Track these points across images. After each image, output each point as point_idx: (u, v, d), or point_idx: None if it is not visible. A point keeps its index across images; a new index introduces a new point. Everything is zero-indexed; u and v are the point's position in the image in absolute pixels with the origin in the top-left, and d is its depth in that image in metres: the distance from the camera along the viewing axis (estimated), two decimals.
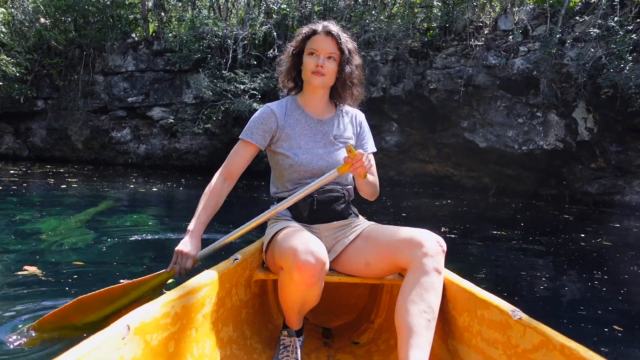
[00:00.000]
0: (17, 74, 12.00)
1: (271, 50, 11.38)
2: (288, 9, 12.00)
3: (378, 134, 10.86)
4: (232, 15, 13.99)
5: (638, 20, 8.00)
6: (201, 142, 12.87)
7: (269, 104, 1.80)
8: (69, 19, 13.61)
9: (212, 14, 13.71)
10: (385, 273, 1.60)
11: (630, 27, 7.82)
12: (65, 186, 7.38)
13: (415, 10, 11.44)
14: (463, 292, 1.43)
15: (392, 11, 11.86)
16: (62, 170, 10.29)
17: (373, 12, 10.84)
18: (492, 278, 3.33)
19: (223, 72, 11.42)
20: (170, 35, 12.42)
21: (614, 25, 7.88)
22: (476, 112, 10.05)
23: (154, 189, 7.85)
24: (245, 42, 11.88)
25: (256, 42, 11.95)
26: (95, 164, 13.08)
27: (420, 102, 10.44)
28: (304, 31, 1.74)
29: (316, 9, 11.83)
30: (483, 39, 9.83)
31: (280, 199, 1.76)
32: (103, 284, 2.56)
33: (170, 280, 1.69)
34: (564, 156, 9.33)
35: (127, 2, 14.18)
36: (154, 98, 13.17)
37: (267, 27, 11.94)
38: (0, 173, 8.86)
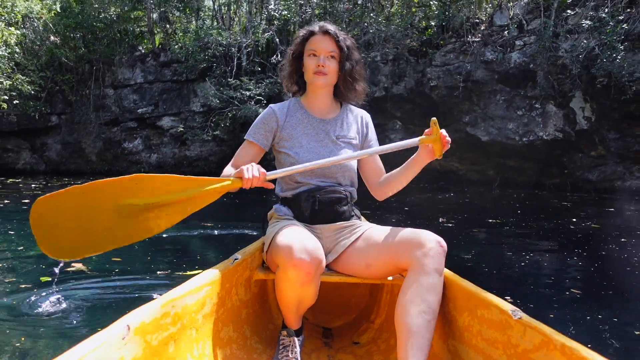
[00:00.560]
0: (32, 92, 12.47)
1: (274, 56, 11.72)
2: (289, 15, 12.34)
3: (382, 132, 11.15)
4: (235, 23, 14.38)
5: (628, 10, 8.21)
6: (210, 148, 13.25)
7: (271, 105, 1.84)
8: (78, 35, 14.10)
9: (216, 23, 14.11)
10: (386, 274, 1.60)
11: (621, 17, 8.04)
12: None
13: (413, 9, 11.71)
14: (463, 292, 1.44)
15: (391, 10, 12.14)
16: (79, 182, 10.68)
17: (372, 14, 11.13)
18: (479, 260, 3.63)
19: (229, 79, 11.79)
20: (176, 46, 12.82)
21: (605, 16, 8.10)
22: (477, 107, 10.30)
23: None
24: (249, 49, 12.24)
25: (259, 48, 12.31)
26: (110, 175, 13.31)
27: (422, 99, 10.71)
28: (301, 34, 1.76)
29: (317, 12, 12.15)
30: (480, 35, 10.08)
31: (284, 199, 1.78)
32: (141, 274, 2.95)
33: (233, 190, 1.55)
34: (564, 145, 9.55)
35: (132, 16, 14.61)
36: (163, 108, 13.59)
37: (269, 33, 12.29)
38: (24, 187, 9.31)
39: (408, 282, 1.41)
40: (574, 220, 5.71)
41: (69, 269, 3.04)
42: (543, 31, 8.85)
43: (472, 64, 9.80)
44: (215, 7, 14.56)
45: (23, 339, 1.95)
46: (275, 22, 12.60)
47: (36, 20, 13.53)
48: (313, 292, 1.47)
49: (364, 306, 2.15)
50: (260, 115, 1.81)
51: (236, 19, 14.55)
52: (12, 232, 4.44)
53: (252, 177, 1.49)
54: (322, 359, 1.70)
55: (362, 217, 1.86)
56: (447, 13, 10.35)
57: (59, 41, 13.93)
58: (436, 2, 10.68)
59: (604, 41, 7.97)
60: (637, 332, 2.23)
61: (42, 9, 13.09)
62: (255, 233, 4.12)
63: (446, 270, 1.48)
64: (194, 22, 14.59)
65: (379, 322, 1.93)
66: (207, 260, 3.48)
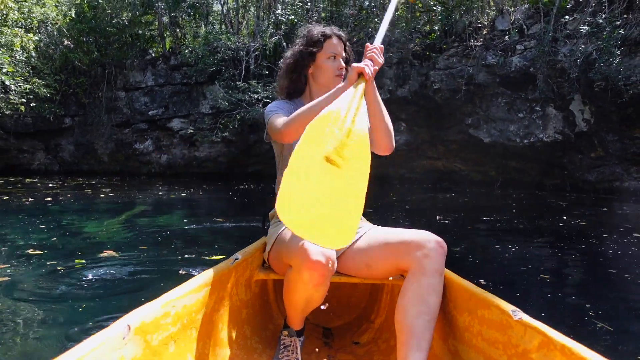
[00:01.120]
0: (48, 95, 12.90)
1: (281, 60, 12.02)
2: (296, 19, 12.68)
3: None
4: (243, 26, 14.74)
5: (625, 16, 8.47)
6: (219, 149, 13.59)
7: (279, 99, 1.86)
8: (91, 39, 14.54)
9: (224, 27, 14.48)
10: (387, 275, 1.60)
11: (618, 23, 8.30)
12: (103, 195, 8.21)
13: (417, 14, 12.00)
14: (464, 292, 1.44)
15: (397, 13, 12.43)
16: (94, 182, 11.13)
17: (376, 19, 11.44)
18: (469, 253, 3.92)
19: (237, 82, 12.14)
20: (186, 51, 13.20)
21: (602, 22, 8.36)
22: (479, 109, 10.58)
23: (183, 194, 8.72)
24: (257, 53, 12.59)
25: (267, 52, 12.64)
26: (121, 175, 13.95)
27: (425, 102, 11.00)
28: (314, 34, 1.76)
29: (323, 15, 12.48)
30: (482, 39, 10.36)
31: None
32: (171, 259, 3.36)
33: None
34: (564, 147, 9.80)
35: (143, 21, 15.02)
36: (173, 110, 13.97)
37: (276, 37, 12.63)
38: (42, 187, 9.71)
39: (408, 283, 1.42)
40: (565, 218, 5.99)
41: (101, 255, 3.41)
42: (543, 36, 9.13)
43: (474, 67, 10.08)
44: (224, 10, 14.95)
45: (62, 319, 2.27)
46: (282, 26, 12.94)
47: (51, 26, 13.96)
48: (323, 293, 1.47)
49: (364, 306, 2.17)
50: (274, 103, 1.81)
51: (244, 22, 14.92)
52: (42, 226, 4.80)
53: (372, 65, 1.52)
54: (322, 359, 1.70)
55: (364, 218, 1.85)
56: (450, 18, 10.65)
57: (72, 45, 14.38)
58: (439, 8, 10.97)
59: (600, 46, 8.23)
60: (632, 330, 2.33)
61: (57, 15, 13.52)
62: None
63: (446, 271, 1.49)
64: (203, 27, 14.96)
65: (379, 322, 1.94)
66: (227, 249, 3.80)
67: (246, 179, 13.04)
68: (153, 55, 14.78)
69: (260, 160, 13.36)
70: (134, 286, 2.73)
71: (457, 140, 11.21)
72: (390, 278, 1.64)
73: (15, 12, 10.65)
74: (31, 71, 12.69)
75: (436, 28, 11.19)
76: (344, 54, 1.77)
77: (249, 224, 5.04)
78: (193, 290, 1.30)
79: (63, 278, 2.84)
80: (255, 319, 1.77)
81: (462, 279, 1.50)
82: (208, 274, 1.41)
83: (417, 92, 10.90)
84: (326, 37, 1.75)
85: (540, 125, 9.83)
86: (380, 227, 1.72)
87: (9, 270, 2.98)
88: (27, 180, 11.26)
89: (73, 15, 13.48)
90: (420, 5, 11.96)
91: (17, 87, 10.90)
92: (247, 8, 14.48)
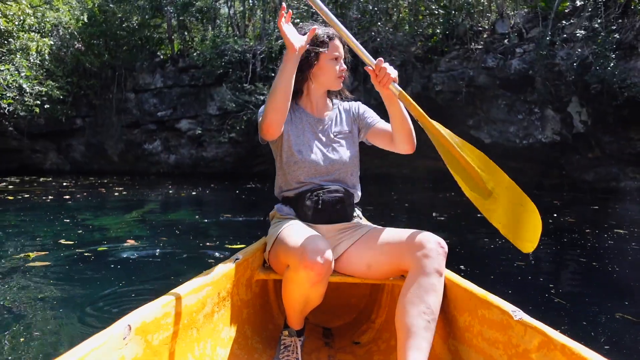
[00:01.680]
0: (60, 97, 13.30)
1: None
2: (301, 23, 12.95)
3: None
4: (249, 29, 15.08)
5: (620, 20, 8.73)
6: (226, 150, 13.93)
7: None
8: (102, 43, 14.94)
9: (231, 31, 14.83)
10: (387, 275, 1.60)
11: (613, 27, 8.57)
12: (117, 193, 8.59)
13: (420, 17, 12.29)
14: (464, 292, 1.44)
15: (400, 16, 12.71)
16: (105, 181, 11.51)
17: (379, 23, 11.74)
18: (458, 245, 4.21)
19: (244, 84, 12.48)
20: (194, 54, 13.55)
21: (598, 27, 8.63)
22: (480, 111, 10.86)
23: (193, 193, 9.04)
24: (263, 56, 12.91)
25: (273, 55, 12.96)
26: (131, 175, 14.33)
27: (427, 103, 11.27)
28: (319, 34, 1.74)
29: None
30: (482, 42, 10.64)
31: (286, 198, 1.78)
32: (192, 246, 3.75)
33: None
34: (562, 148, 10.07)
35: (152, 24, 15.39)
36: (181, 111, 14.34)
37: (282, 41, 12.92)
38: (57, 186, 10.09)
39: (408, 283, 1.42)
40: (555, 215, 6.25)
41: (123, 244, 3.79)
42: (541, 40, 9.40)
43: (474, 70, 10.36)
44: (231, 14, 15.30)
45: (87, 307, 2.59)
46: None
47: (63, 29, 14.36)
48: (321, 292, 1.48)
49: (364, 306, 2.17)
50: (264, 105, 1.80)
51: (250, 26, 15.27)
52: (67, 220, 5.17)
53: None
54: (322, 359, 1.71)
55: (364, 218, 1.88)
56: (451, 21, 10.93)
57: (83, 48, 14.78)
58: (441, 12, 11.26)
59: (596, 50, 8.50)
60: (632, 330, 2.33)
61: (70, 19, 13.92)
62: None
63: (447, 271, 1.49)
64: (210, 30, 15.32)
65: (379, 322, 1.94)
66: (245, 240, 4.10)
67: (252, 178, 13.36)
68: (162, 57, 15.17)
69: (265, 160, 13.67)
70: (164, 270, 3.10)
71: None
72: (391, 278, 1.65)
73: (32, 17, 11.03)
74: (45, 74, 13.07)
75: (438, 31, 11.48)
76: (344, 56, 1.80)
77: (260, 218, 5.38)
78: (194, 290, 1.31)
79: (95, 262, 3.24)
80: (256, 319, 1.78)
81: (462, 279, 1.50)
82: (209, 274, 1.42)
83: (419, 93, 11.19)
84: (331, 38, 1.76)
85: (539, 127, 10.10)
86: (380, 227, 1.72)
87: (48, 257, 3.36)
88: (41, 179, 11.66)
89: (85, 19, 13.84)
90: (422, 8, 12.23)
91: (32, 89, 11.29)
92: (254, 12, 14.81)
